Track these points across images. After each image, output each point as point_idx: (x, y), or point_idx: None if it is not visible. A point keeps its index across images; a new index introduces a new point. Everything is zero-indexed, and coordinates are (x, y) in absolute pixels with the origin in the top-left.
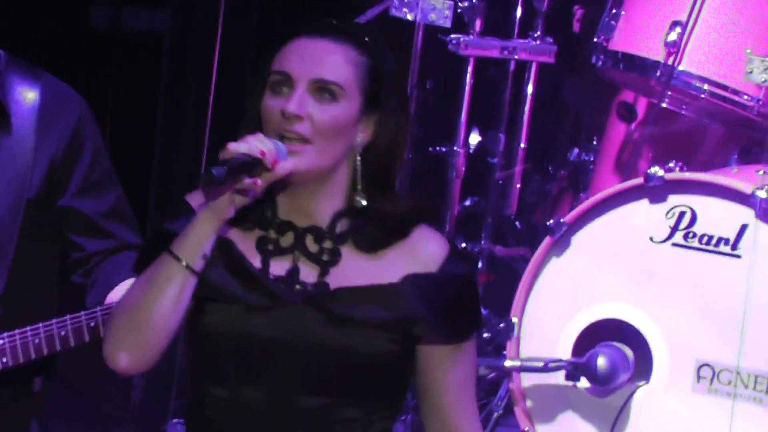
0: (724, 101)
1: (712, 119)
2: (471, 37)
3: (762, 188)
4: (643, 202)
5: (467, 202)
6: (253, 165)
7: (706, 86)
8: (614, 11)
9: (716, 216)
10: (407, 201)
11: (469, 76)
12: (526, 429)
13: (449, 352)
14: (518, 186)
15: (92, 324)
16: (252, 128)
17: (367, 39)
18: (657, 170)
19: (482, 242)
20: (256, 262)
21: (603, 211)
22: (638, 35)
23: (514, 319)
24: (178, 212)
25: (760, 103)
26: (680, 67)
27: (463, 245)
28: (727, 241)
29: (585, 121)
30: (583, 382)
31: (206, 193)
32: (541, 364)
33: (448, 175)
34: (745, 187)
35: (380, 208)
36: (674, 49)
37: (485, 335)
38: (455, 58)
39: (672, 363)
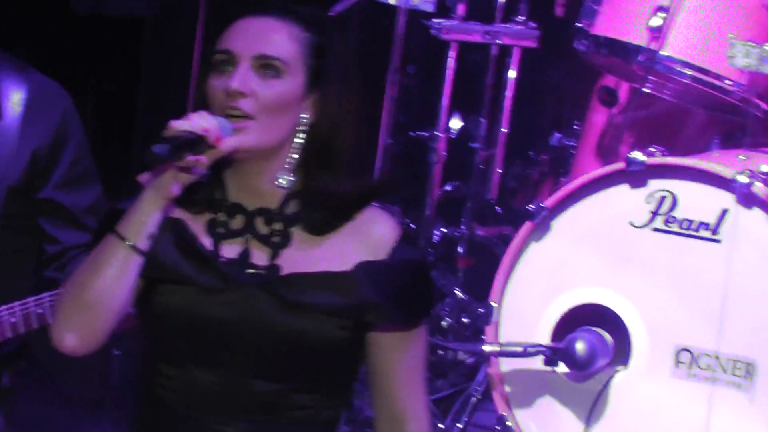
0: (706, 86)
1: (693, 104)
2: (453, 21)
3: (743, 173)
4: (624, 187)
5: (448, 187)
6: (196, 142)
7: (688, 71)
8: None
9: (697, 201)
10: (353, 181)
11: (451, 60)
12: (504, 414)
13: (401, 337)
14: (499, 171)
15: None
16: (198, 109)
17: (312, 16)
18: (638, 155)
19: (462, 227)
20: (208, 244)
21: (583, 195)
22: (621, 20)
23: (493, 304)
24: (131, 191)
25: (742, 87)
26: (663, 52)
27: (444, 230)
28: (707, 226)
29: (566, 106)
30: (562, 367)
31: (151, 171)
32: (519, 349)
33: (429, 160)
34: (727, 172)
35: (321, 187)
36: (657, 33)
37: (464, 320)
38: (437, 43)
39: (651, 348)
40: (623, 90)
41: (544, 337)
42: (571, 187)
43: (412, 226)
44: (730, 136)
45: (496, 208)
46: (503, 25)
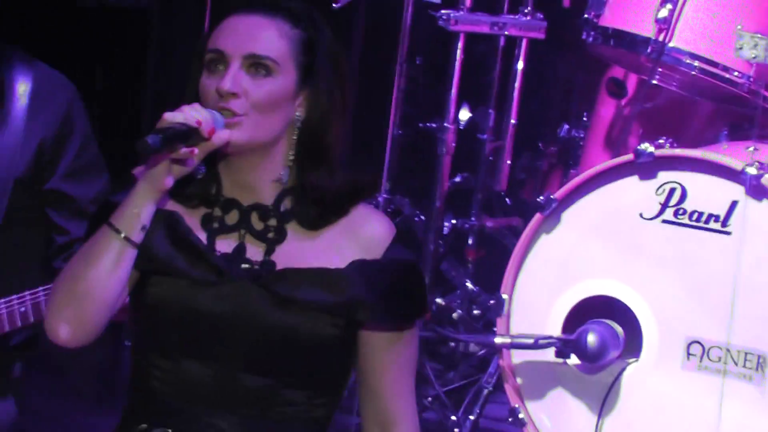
0: (714, 78)
1: (702, 96)
2: (461, 12)
3: (752, 165)
4: (633, 179)
5: (457, 178)
6: (189, 134)
7: (696, 63)
8: None
9: (706, 192)
10: (345, 176)
11: (459, 52)
12: (516, 406)
13: (391, 338)
14: (508, 162)
15: None
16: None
17: (301, 12)
18: (647, 146)
19: (472, 218)
20: (202, 239)
21: (593, 187)
22: (629, 11)
23: (504, 296)
24: (126, 185)
25: (750, 79)
26: (671, 44)
27: (453, 221)
28: (717, 218)
29: (575, 98)
30: (573, 359)
31: (144, 161)
32: (531, 341)
33: (438, 151)
34: (736, 164)
35: (315, 183)
36: (665, 25)
37: (475, 312)
38: (445, 34)
39: (662, 340)
40: (632, 82)
41: (555, 329)
42: (580, 178)
43: (421, 217)
44: (739, 128)
45: (506, 199)
46: (510, 17)
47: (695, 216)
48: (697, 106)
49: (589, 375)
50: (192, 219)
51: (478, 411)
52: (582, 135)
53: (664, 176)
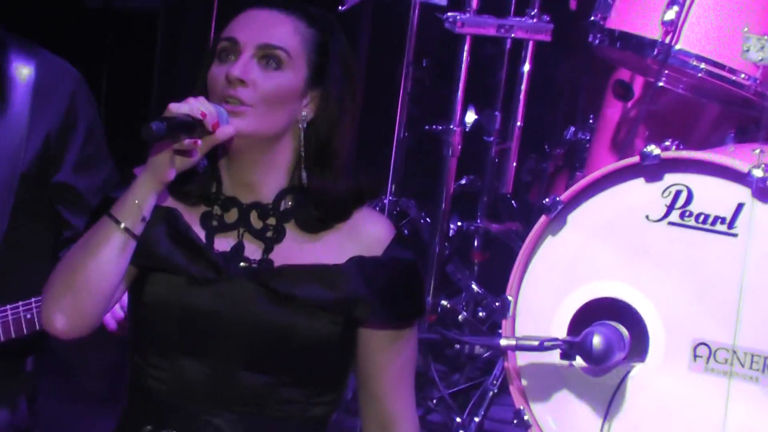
0: (720, 80)
1: (708, 98)
2: (467, 15)
3: (758, 167)
4: (639, 181)
5: (463, 181)
6: (193, 125)
7: (702, 65)
8: None
9: (712, 195)
10: (349, 182)
11: (465, 54)
12: (521, 408)
13: (390, 338)
14: (514, 164)
15: None
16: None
17: (317, 14)
18: (653, 149)
19: (478, 220)
20: (201, 237)
21: (599, 189)
22: (635, 14)
23: (510, 298)
24: (126, 182)
25: (757, 81)
26: (677, 46)
27: (459, 224)
28: (723, 220)
29: (581, 100)
30: (579, 361)
31: (148, 149)
32: (536, 343)
33: (444, 154)
34: (742, 166)
35: (319, 187)
36: (671, 27)
37: (480, 314)
38: (451, 36)
39: (668, 342)
40: (638, 84)
41: (560, 331)
42: (586, 181)
43: (427, 220)
44: (745, 130)
45: (512, 201)
46: (517, 19)
47: (701, 218)
48: (704, 109)
49: (594, 377)
50: (191, 217)
51: (483, 413)
52: (588, 137)
53: (670, 178)
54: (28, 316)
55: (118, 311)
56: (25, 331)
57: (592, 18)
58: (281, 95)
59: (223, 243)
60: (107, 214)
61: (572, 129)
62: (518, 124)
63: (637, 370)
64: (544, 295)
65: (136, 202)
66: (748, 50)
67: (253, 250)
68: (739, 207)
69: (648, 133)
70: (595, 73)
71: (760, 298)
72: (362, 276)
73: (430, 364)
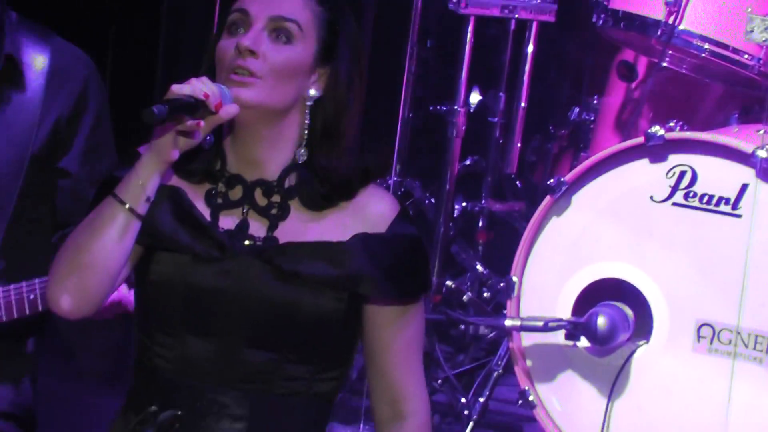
0: (724, 60)
1: (712, 78)
2: None
3: (763, 148)
4: (644, 162)
5: (467, 161)
6: (195, 106)
7: (706, 45)
8: None
9: (717, 175)
10: (355, 160)
11: (469, 35)
12: (526, 388)
13: (396, 313)
14: (518, 145)
15: None
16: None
17: None
18: (657, 129)
19: (482, 201)
20: (206, 214)
21: (603, 170)
22: None
23: (515, 279)
24: (130, 161)
25: (761, 62)
26: (681, 26)
27: (464, 204)
28: (727, 201)
29: (585, 81)
30: (583, 342)
31: (150, 132)
32: (541, 324)
33: (449, 134)
34: (746, 147)
35: (325, 165)
36: (675, 8)
37: (485, 294)
38: (455, 17)
39: (672, 322)
40: (642, 64)
41: (564, 312)
42: (590, 161)
43: (431, 200)
44: (749, 111)
45: (516, 182)
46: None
47: (705, 199)
48: (708, 89)
49: (599, 357)
50: (196, 194)
51: (487, 393)
52: (592, 118)
53: (674, 159)
54: (31, 296)
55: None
56: (27, 311)
57: None
58: (290, 69)
59: (228, 220)
60: (111, 194)
61: (576, 110)
62: (522, 104)
63: (641, 351)
64: (549, 275)
65: (140, 182)
66: (752, 31)
67: (257, 228)
68: (743, 188)
69: (652, 114)
70: (599, 54)
71: (763, 279)
72: (366, 252)
73: (435, 345)
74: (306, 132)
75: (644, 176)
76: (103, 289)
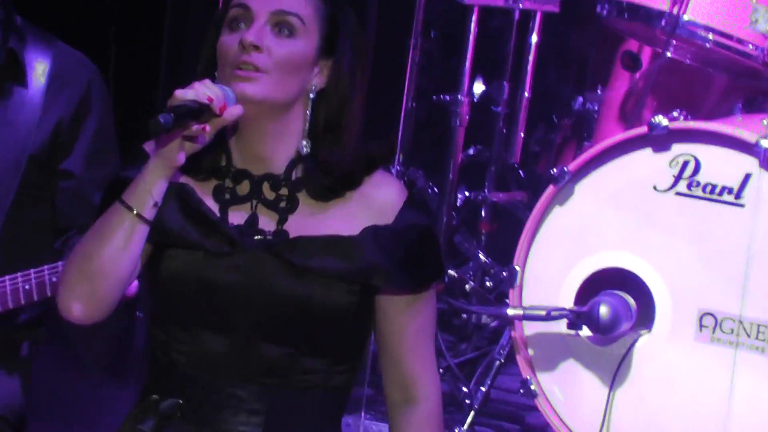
0: (728, 51)
1: (716, 69)
2: None
3: (766, 137)
4: (647, 151)
5: (471, 151)
6: (200, 111)
7: (710, 35)
8: None
9: (720, 165)
10: (358, 151)
11: (473, 25)
12: (528, 377)
13: (408, 302)
14: (522, 135)
15: None
16: (206, 74)
17: None
18: (661, 119)
19: (485, 191)
20: (215, 211)
21: (607, 160)
22: None
23: (517, 268)
24: (135, 160)
25: (765, 52)
26: (685, 17)
27: (467, 194)
28: (730, 191)
29: (589, 71)
30: (585, 331)
31: (155, 140)
32: (543, 313)
33: (452, 124)
34: (750, 137)
35: (327, 157)
36: None
37: (488, 283)
38: (459, 8)
39: (674, 312)
40: (646, 55)
41: (567, 301)
42: (594, 151)
43: (435, 190)
44: (753, 101)
45: (520, 172)
46: None
47: (709, 188)
48: (712, 79)
49: (601, 347)
50: (203, 191)
51: (489, 382)
52: (596, 108)
53: (677, 149)
54: (26, 286)
55: None
56: (23, 301)
57: None
58: (294, 62)
59: (237, 216)
60: (119, 200)
61: (580, 100)
62: (526, 94)
63: (644, 340)
64: (552, 265)
65: (147, 187)
66: (756, 21)
67: (266, 222)
68: (747, 177)
69: (656, 104)
70: (604, 44)
71: (766, 268)
72: (377, 245)
73: (437, 334)
74: (308, 124)
75: (647, 166)
76: (113, 294)
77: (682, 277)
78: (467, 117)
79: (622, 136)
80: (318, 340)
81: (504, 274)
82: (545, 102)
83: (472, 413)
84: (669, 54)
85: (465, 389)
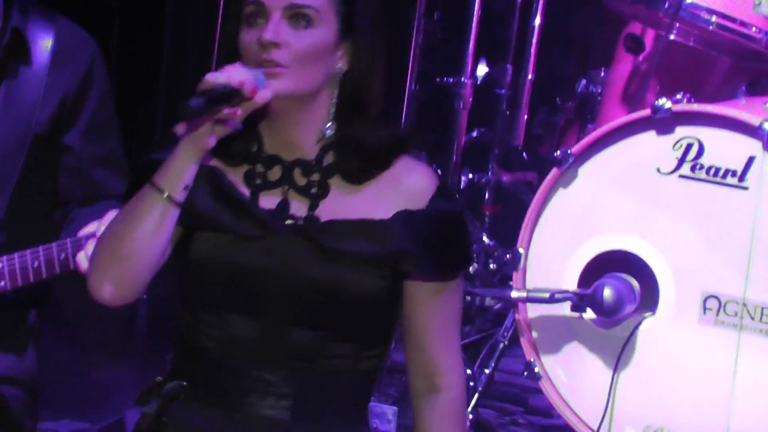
0: (732, 33)
1: (719, 51)
2: None
3: None
4: (651, 134)
5: (474, 133)
6: (231, 95)
7: (714, 18)
8: None
9: (724, 148)
10: (386, 129)
11: (476, 7)
12: (532, 360)
13: (436, 289)
14: (525, 117)
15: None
16: (229, 62)
17: None
18: (664, 102)
19: (489, 173)
20: (246, 195)
21: (610, 142)
22: None
23: (521, 250)
24: (165, 141)
25: None
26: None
27: (470, 176)
28: (734, 173)
29: (592, 53)
30: (589, 314)
31: (186, 124)
32: (547, 295)
33: (456, 106)
34: (753, 119)
35: (357, 136)
36: None
37: (491, 266)
38: None
39: (678, 294)
40: (649, 37)
41: (571, 284)
42: (597, 133)
43: (438, 172)
44: (756, 84)
45: (523, 154)
46: None
47: (712, 171)
48: (715, 62)
49: (604, 329)
50: (234, 176)
51: (493, 365)
52: (599, 90)
53: (681, 131)
54: (35, 264)
55: None
56: (31, 278)
57: None
58: (316, 52)
59: (268, 201)
60: (149, 182)
61: (584, 82)
62: (529, 77)
63: (647, 323)
64: (555, 247)
65: (178, 170)
66: (759, 4)
67: (298, 207)
68: (750, 160)
69: (659, 87)
70: (607, 27)
71: None
72: (408, 230)
73: None
74: (333, 107)
75: (651, 148)
76: (143, 276)
77: (686, 260)
78: (470, 99)
79: (625, 118)
80: (347, 325)
81: (508, 256)
82: (548, 84)
83: (476, 395)
84: (672, 36)
85: (469, 371)
